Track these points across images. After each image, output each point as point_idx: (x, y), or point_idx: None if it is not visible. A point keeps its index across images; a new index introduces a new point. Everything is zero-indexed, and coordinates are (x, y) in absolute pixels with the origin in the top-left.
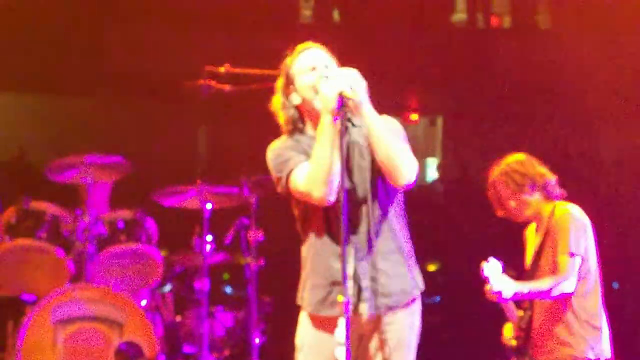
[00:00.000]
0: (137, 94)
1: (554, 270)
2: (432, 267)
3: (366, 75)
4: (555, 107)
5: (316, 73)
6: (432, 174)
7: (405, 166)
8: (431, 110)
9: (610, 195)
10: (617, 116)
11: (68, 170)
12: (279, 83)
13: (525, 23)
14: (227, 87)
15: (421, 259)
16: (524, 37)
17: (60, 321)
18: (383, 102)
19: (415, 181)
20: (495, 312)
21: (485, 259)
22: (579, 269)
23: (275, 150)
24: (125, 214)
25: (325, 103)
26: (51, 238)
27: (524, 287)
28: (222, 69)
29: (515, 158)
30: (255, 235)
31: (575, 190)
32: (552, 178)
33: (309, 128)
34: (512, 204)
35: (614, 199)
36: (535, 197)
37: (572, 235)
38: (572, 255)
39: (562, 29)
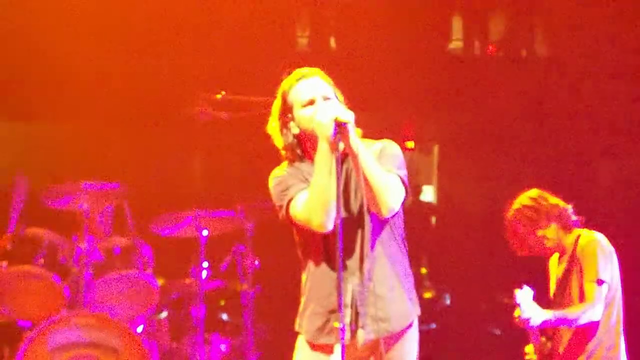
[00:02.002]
0: (133, 120)
1: (581, 297)
2: (427, 295)
3: (362, 102)
4: (554, 136)
5: (315, 106)
6: (428, 199)
7: (386, 195)
8: (427, 138)
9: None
10: (615, 144)
11: (65, 197)
12: (276, 106)
13: (522, 51)
14: (223, 114)
15: (417, 288)
16: (522, 65)
17: (57, 348)
18: (379, 129)
19: (398, 209)
20: (491, 340)
21: (482, 287)
22: (605, 296)
23: (277, 178)
24: (121, 240)
25: (321, 130)
26: (48, 264)
27: (552, 315)
28: (218, 96)
29: (527, 195)
30: (251, 262)
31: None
32: (566, 207)
33: (308, 155)
34: (531, 240)
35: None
36: (553, 229)
37: (600, 262)
38: (599, 282)
39: (560, 56)
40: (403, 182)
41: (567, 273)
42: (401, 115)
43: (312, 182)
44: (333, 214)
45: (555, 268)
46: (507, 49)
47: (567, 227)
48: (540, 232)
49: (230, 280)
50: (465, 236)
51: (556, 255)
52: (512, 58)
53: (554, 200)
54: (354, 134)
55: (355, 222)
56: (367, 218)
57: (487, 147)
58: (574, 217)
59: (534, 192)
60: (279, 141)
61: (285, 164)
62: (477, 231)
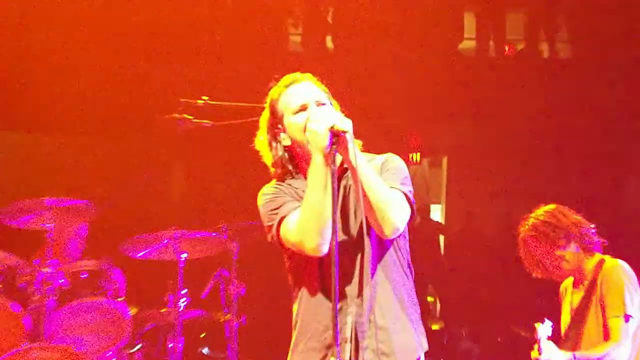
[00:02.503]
0: (104, 129)
1: (604, 333)
2: (436, 326)
3: (362, 109)
4: (579, 148)
5: (307, 113)
6: (436, 218)
7: (389, 212)
8: (435, 151)
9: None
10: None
11: (26, 215)
12: (264, 118)
13: (542, 51)
14: (205, 122)
15: (423, 318)
16: (541, 66)
17: None
18: (381, 140)
19: (403, 229)
20: None
21: (497, 317)
22: (634, 332)
23: (266, 196)
24: (89, 264)
25: (314, 140)
26: (6, 291)
27: (573, 356)
28: (199, 102)
29: (544, 209)
30: (236, 288)
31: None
32: (589, 226)
33: (302, 171)
34: (547, 261)
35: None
36: (572, 250)
37: (627, 295)
38: (626, 318)
39: (587, 58)
40: (408, 199)
41: (585, 303)
42: (406, 124)
43: (305, 200)
44: (328, 235)
45: (569, 295)
46: (526, 49)
47: (588, 250)
48: (558, 252)
49: (212, 309)
50: (477, 260)
51: (569, 280)
52: (531, 60)
53: (574, 217)
54: (353, 145)
55: (355, 244)
56: (367, 240)
57: (503, 159)
58: (596, 239)
59: (551, 206)
60: (267, 157)
61: (274, 182)
62: (491, 254)
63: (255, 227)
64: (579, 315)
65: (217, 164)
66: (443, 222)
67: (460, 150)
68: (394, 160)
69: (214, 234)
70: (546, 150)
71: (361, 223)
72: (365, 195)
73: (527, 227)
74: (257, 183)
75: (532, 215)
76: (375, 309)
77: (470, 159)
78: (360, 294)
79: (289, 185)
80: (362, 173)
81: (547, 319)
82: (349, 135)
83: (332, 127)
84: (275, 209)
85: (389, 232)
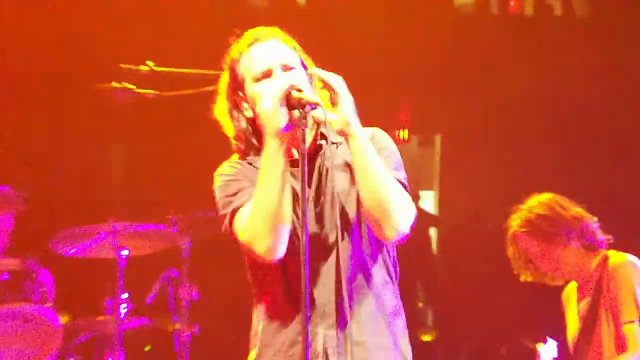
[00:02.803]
0: (29, 102)
1: (617, 341)
2: (426, 337)
3: (340, 77)
4: (592, 124)
5: (274, 80)
6: (427, 208)
7: (396, 215)
8: (427, 126)
9: None
10: None
11: None
12: (223, 81)
13: (554, 8)
14: (151, 93)
15: (412, 328)
16: (555, 28)
17: None
18: (362, 115)
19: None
20: None
21: (499, 325)
22: None
23: (223, 177)
24: (11, 263)
25: (266, 121)
26: None
27: None
28: (144, 68)
29: (540, 199)
30: (187, 292)
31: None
32: (592, 220)
33: None
34: (543, 262)
35: None
36: (573, 248)
37: (639, 294)
38: None
39: (605, 17)
40: (405, 189)
41: (593, 310)
42: (391, 94)
43: (255, 195)
44: (284, 237)
45: (573, 302)
46: (536, 5)
47: (591, 247)
48: (557, 252)
49: (158, 317)
50: (478, 258)
51: (572, 284)
52: (541, 19)
53: (575, 209)
54: (354, 120)
55: (329, 243)
56: (345, 236)
57: (510, 138)
58: (600, 235)
59: (548, 196)
60: (228, 128)
61: (236, 157)
62: (494, 252)
63: (211, 219)
64: (587, 324)
65: (164, 143)
66: (436, 213)
67: (457, 126)
68: (384, 138)
69: (161, 227)
70: (561, 128)
71: (342, 214)
72: (365, 186)
73: (518, 221)
74: (213, 166)
75: (524, 207)
76: (352, 320)
77: (469, 137)
78: (335, 303)
79: (251, 164)
80: (365, 163)
81: (551, 337)
82: (320, 111)
83: (298, 98)
84: (229, 196)
85: (391, 236)
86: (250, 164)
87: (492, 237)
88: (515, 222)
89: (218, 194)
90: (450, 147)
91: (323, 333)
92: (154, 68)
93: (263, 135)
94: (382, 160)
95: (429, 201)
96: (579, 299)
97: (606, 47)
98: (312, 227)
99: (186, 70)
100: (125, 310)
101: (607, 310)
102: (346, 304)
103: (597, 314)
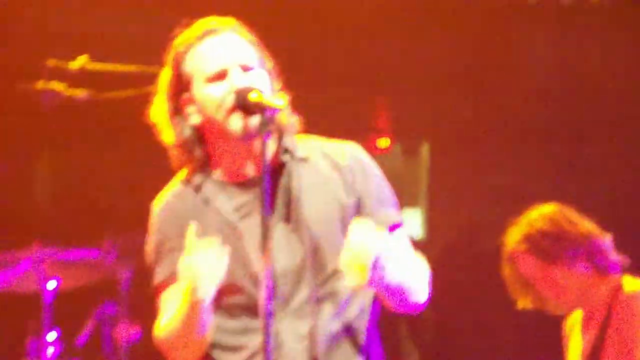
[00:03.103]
0: None
1: None
2: None
3: (306, 74)
4: (607, 125)
5: (228, 82)
6: (412, 231)
7: (417, 297)
8: (411, 134)
9: None
10: None
11: None
12: (164, 78)
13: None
14: (82, 94)
15: None
16: (560, 13)
17: None
18: (332, 117)
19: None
20: None
21: None
22: None
23: (158, 217)
24: None
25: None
26: None
27: None
28: (74, 65)
29: (543, 212)
30: (126, 331)
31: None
32: (604, 238)
33: (216, 162)
34: (543, 286)
35: None
36: (579, 271)
37: None
38: None
39: (621, 4)
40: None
41: (600, 344)
42: (369, 95)
43: (171, 323)
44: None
45: (578, 335)
46: None
47: (602, 271)
48: (559, 274)
49: None
50: (467, 282)
51: (579, 314)
52: (546, 3)
53: (585, 225)
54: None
55: (298, 301)
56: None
57: (508, 145)
58: (613, 256)
59: (552, 208)
60: (168, 135)
61: (181, 176)
62: (484, 275)
63: None
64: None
65: (100, 152)
66: (422, 235)
67: (447, 133)
68: (372, 166)
69: (95, 254)
70: (566, 133)
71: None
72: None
73: (517, 237)
74: (158, 179)
75: (525, 220)
76: None
77: (460, 146)
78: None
79: (197, 193)
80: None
81: None
82: (285, 117)
83: (246, 101)
84: (152, 263)
85: (406, 310)
86: (197, 187)
87: (488, 259)
88: (513, 238)
89: (150, 239)
90: (438, 157)
91: None
92: (87, 64)
93: (219, 141)
94: (378, 203)
95: (415, 220)
96: (584, 332)
97: (622, 36)
98: (279, 271)
99: (125, 68)
100: (53, 352)
101: (615, 347)
102: None
103: (604, 350)
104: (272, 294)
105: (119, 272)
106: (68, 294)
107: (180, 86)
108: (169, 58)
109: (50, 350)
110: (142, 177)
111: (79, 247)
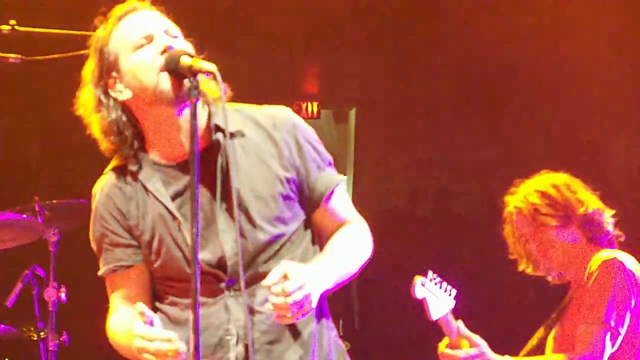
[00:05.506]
0: None
1: (565, 340)
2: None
3: (229, 34)
4: (549, 98)
5: (155, 44)
6: None
7: (361, 262)
8: (340, 99)
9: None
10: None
11: None
12: (88, 70)
13: None
14: (12, 57)
15: None
16: None
17: None
18: (257, 82)
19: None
20: None
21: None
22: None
23: (97, 205)
24: None
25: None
26: None
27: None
28: (4, 28)
29: (548, 177)
30: (55, 294)
31: None
32: (603, 211)
33: (150, 143)
34: (533, 245)
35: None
36: (569, 236)
37: (611, 300)
38: (605, 331)
39: None
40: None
41: (566, 305)
42: (295, 58)
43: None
44: None
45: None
46: None
47: (594, 241)
48: (549, 236)
49: (20, 323)
50: (389, 255)
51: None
52: None
53: (585, 194)
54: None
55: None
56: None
57: (445, 113)
58: (607, 229)
59: (560, 177)
60: (96, 125)
61: (114, 164)
62: (407, 245)
63: (84, 208)
64: (553, 319)
65: (28, 116)
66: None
67: (377, 98)
68: (305, 131)
69: (22, 217)
70: (513, 100)
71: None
72: None
73: (518, 197)
74: (88, 144)
75: (529, 183)
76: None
77: (391, 112)
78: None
79: (132, 182)
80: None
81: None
82: (217, 83)
83: (176, 63)
84: (96, 251)
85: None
86: (131, 180)
87: (424, 226)
88: (513, 199)
89: (92, 225)
90: (367, 123)
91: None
92: (16, 28)
93: (152, 115)
94: (311, 158)
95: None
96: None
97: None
98: (210, 248)
99: (55, 31)
100: None
101: (573, 308)
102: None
103: (567, 312)
104: (217, 277)
105: (46, 235)
106: None
107: (107, 68)
108: (92, 48)
109: None
110: (70, 141)
111: (6, 210)
